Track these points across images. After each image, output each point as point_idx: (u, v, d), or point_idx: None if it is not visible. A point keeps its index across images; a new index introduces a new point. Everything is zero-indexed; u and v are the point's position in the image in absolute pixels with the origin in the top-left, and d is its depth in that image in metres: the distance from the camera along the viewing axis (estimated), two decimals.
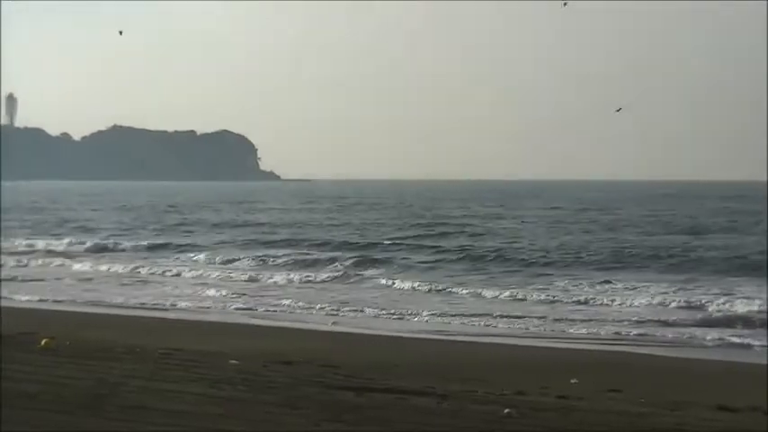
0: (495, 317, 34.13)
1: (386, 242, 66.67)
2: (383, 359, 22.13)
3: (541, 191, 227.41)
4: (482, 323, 33.03)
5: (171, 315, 34.33)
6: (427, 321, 33.65)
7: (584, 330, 31.57)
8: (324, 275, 48.88)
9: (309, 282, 46.97)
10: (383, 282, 46.12)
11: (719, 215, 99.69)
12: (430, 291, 42.36)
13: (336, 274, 49.48)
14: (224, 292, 41.14)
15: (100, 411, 12.26)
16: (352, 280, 47.49)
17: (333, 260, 54.53)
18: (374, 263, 53.12)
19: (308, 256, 57.25)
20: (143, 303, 37.70)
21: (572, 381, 19.51)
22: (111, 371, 15.79)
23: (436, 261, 55.09)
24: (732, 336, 30.50)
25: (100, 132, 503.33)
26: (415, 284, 43.93)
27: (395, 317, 34.45)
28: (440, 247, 62.74)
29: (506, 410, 13.90)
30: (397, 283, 44.91)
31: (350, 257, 55.20)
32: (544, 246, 62.52)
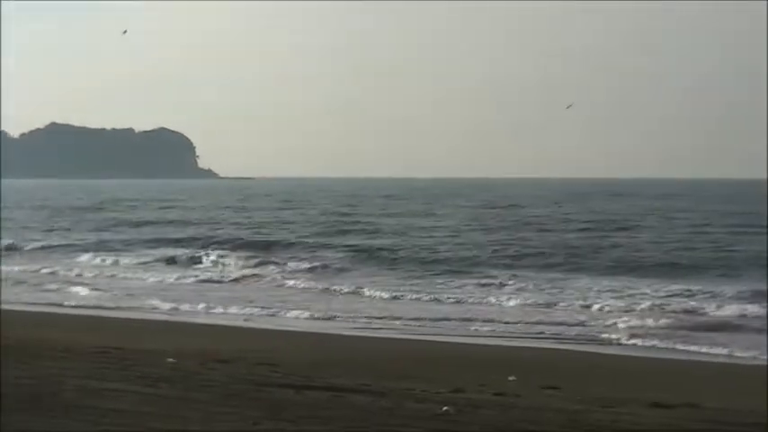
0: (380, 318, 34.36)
1: (292, 240, 67.10)
2: (321, 357, 22.12)
3: (468, 189, 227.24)
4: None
5: (104, 313, 34.13)
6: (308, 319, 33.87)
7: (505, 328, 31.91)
8: (207, 275, 49.37)
9: (183, 281, 47.34)
10: (276, 280, 46.64)
11: (642, 214, 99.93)
12: (321, 290, 42.88)
13: (227, 273, 49.90)
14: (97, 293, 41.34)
15: (35, 411, 12.12)
16: (242, 280, 47.72)
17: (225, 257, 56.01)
18: (268, 263, 53.25)
19: (198, 254, 58.12)
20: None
21: (510, 378, 19.59)
22: (49, 370, 15.61)
23: (342, 258, 55.70)
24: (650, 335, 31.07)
25: (38, 130, 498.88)
26: (302, 284, 44.72)
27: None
28: (344, 245, 62.81)
29: (444, 408, 13.90)
30: (291, 282, 45.36)
31: (247, 256, 55.84)
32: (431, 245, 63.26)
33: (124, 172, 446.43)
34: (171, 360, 18.53)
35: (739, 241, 64.02)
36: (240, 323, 32.33)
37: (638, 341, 29.30)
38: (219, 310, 35.88)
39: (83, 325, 28.98)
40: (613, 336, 30.19)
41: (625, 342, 29.29)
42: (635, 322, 32.81)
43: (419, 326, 32.50)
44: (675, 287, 41.41)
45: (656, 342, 29.22)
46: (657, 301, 37.42)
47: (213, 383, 15.26)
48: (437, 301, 39.13)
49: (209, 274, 50.20)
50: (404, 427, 12.44)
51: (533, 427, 13.23)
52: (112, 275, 49.79)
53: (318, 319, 33.92)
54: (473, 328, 32.00)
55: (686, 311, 35.42)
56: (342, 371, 18.80)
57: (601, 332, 31.08)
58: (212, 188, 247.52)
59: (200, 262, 55.63)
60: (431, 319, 33.73)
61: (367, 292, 41.87)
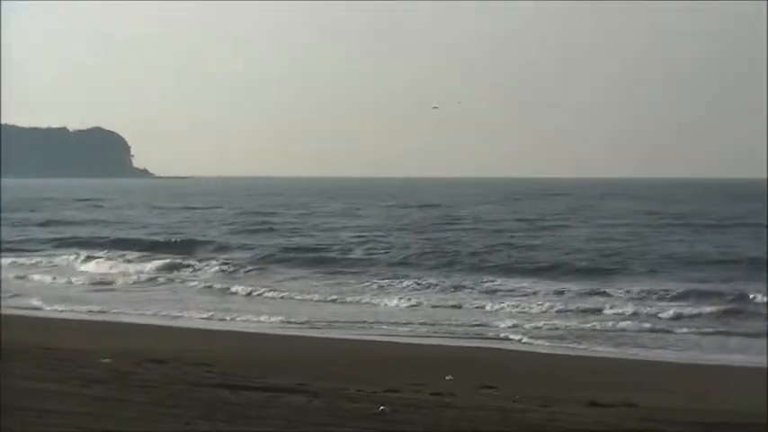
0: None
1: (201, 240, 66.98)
2: (257, 357, 22.05)
3: (401, 188, 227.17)
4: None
5: (40, 314, 33.80)
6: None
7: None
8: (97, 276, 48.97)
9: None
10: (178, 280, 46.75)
11: (567, 213, 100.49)
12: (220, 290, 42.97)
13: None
14: None
15: None
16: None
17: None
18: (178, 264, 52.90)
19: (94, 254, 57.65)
20: None
21: (446, 377, 19.63)
22: None
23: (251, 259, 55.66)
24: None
25: None
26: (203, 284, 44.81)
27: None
28: (260, 245, 62.81)
29: (380, 407, 13.89)
30: (194, 284, 45.40)
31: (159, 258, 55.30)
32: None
33: (56, 171, 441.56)
34: (106, 360, 18.37)
35: (654, 241, 64.66)
36: (179, 323, 32.17)
37: (541, 341, 29.48)
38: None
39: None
40: (515, 336, 30.35)
41: (529, 341, 29.50)
42: (533, 323, 33.14)
43: (309, 327, 32.36)
44: (577, 287, 41.85)
45: (553, 342, 29.51)
46: (558, 302, 37.89)
47: (149, 384, 15.14)
48: (332, 302, 39.25)
49: (100, 274, 49.78)
50: (340, 427, 12.40)
51: (470, 426, 13.25)
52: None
53: (212, 320, 33.86)
54: (365, 327, 32.13)
55: (585, 311, 35.84)
56: (278, 371, 18.75)
57: (502, 332, 31.25)
58: (145, 188, 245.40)
59: (89, 262, 54.86)
60: (323, 321, 33.74)
61: (269, 293, 41.97)
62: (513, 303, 37.59)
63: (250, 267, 51.79)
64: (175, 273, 49.96)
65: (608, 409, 15.68)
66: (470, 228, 79.35)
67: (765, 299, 37.30)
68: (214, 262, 53.28)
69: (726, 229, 74.21)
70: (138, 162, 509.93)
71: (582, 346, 28.59)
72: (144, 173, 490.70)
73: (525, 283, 43.50)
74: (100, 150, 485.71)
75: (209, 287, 44.09)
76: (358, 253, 58.06)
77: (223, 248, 61.88)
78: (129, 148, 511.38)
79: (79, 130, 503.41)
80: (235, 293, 42.11)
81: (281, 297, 40.72)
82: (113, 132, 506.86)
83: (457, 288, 42.75)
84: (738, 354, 27.64)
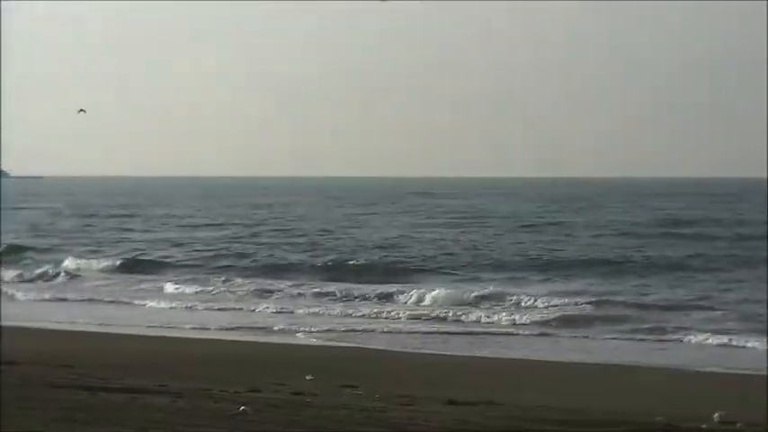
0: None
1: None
2: (118, 358, 21.77)
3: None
4: None
5: None
6: None
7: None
8: None
9: None
10: None
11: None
12: None
13: None
14: None
15: None
16: None
17: None
18: None
19: None
20: None
21: (307, 377, 19.63)
22: None
23: None
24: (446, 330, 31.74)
25: None
26: None
27: None
28: None
29: (241, 407, 13.84)
30: None
31: None
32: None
33: None
34: None
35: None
36: (39, 324, 31.58)
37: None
38: None
39: None
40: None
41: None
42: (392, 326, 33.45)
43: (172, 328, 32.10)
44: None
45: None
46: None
47: (6, 386, 14.83)
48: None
49: None
50: (201, 428, 12.33)
51: (331, 425, 13.27)
52: None
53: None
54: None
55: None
56: (140, 372, 18.57)
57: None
58: None
59: None
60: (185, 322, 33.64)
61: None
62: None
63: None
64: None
65: (468, 407, 15.85)
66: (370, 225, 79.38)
67: (622, 299, 38.13)
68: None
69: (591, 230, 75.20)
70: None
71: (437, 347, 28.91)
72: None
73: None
74: None
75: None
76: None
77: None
78: None
79: None
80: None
81: (143, 299, 40.18)
82: None
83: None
84: (587, 353, 28.12)
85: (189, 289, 43.27)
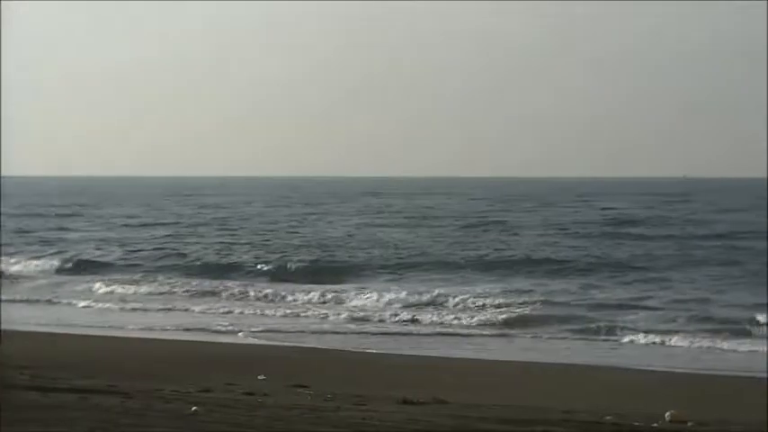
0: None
1: None
2: (68, 358, 21.60)
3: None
4: None
5: None
6: None
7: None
8: None
9: None
10: None
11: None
12: None
13: None
14: None
15: None
16: None
17: None
18: None
19: None
20: None
21: (259, 377, 19.58)
22: None
23: None
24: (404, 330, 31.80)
25: None
26: None
27: None
28: None
29: (193, 408, 13.76)
30: None
31: None
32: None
33: None
34: None
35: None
36: None
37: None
38: None
39: None
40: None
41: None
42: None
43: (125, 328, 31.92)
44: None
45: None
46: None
47: None
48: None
49: None
50: (152, 428, 12.25)
51: (283, 425, 13.23)
52: None
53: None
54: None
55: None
56: (90, 372, 18.43)
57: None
58: None
59: None
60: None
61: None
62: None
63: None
64: None
65: (420, 406, 15.86)
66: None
67: (568, 298, 38.36)
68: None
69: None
70: None
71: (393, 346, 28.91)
72: None
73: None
74: None
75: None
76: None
77: None
78: None
79: None
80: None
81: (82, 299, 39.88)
82: None
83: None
84: (536, 353, 28.25)
85: (125, 289, 42.98)
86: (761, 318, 32.73)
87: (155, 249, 58.97)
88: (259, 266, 50.37)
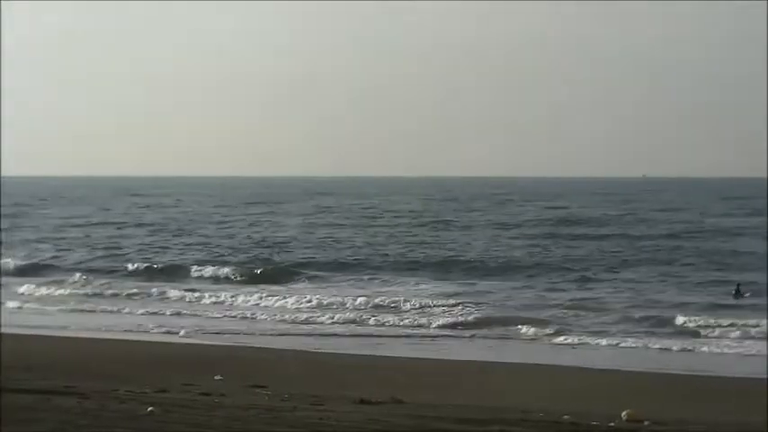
0: None
1: None
2: (27, 359, 21.40)
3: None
4: None
5: None
6: None
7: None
8: None
9: None
10: None
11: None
12: None
13: None
14: None
15: None
16: None
17: None
18: None
19: None
20: None
21: (216, 377, 19.52)
22: None
23: None
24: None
25: None
26: None
27: None
28: None
29: (149, 408, 13.69)
30: None
31: None
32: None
33: None
34: None
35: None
36: None
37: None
38: None
39: None
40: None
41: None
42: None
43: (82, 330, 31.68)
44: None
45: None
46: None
47: None
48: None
49: None
50: (109, 428, 12.21)
51: (240, 425, 13.20)
52: None
53: None
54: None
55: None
56: (47, 373, 18.31)
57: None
58: None
59: None
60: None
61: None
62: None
63: None
64: None
65: (377, 406, 15.86)
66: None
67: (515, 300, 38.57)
68: None
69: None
70: None
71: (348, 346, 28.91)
72: None
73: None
74: None
75: None
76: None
77: None
78: None
79: None
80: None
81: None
82: None
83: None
84: (491, 353, 28.34)
85: (51, 290, 42.88)
86: (692, 318, 33.36)
87: (93, 250, 58.85)
88: (198, 266, 50.32)
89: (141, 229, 75.95)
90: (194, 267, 50.19)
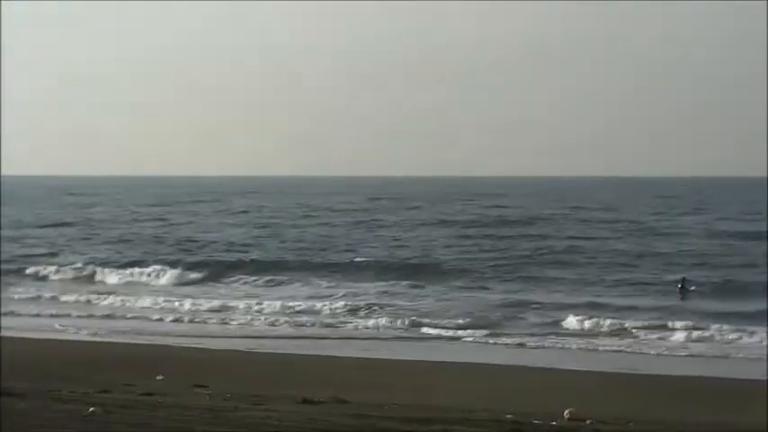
0: None
1: None
2: None
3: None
4: None
5: None
6: None
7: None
8: None
9: None
10: None
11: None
12: None
13: None
14: None
15: None
16: None
17: None
18: None
19: None
20: None
21: (158, 377, 19.44)
22: None
23: None
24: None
25: None
26: None
27: None
28: None
29: (91, 409, 13.59)
30: None
31: None
32: None
33: None
34: None
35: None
36: None
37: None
38: None
39: None
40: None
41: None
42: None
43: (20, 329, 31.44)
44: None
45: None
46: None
47: None
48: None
49: None
50: (50, 429, 12.07)
51: (181, 425, 13.12)
52: None
53: None
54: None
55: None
56: None
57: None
58: None
59: None
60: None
61: None
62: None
63: None
64: None
65: (320, 405, 15.85)
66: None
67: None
68: None
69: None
70: None
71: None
72: None
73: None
74: None
75: None
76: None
77: None
78: None
79: None
80: None
81: None
82: None
83: None
84: (435, 353, 28.43)
85: None
86: (628, 318, 33.89)
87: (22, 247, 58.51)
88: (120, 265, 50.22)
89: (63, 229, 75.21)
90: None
